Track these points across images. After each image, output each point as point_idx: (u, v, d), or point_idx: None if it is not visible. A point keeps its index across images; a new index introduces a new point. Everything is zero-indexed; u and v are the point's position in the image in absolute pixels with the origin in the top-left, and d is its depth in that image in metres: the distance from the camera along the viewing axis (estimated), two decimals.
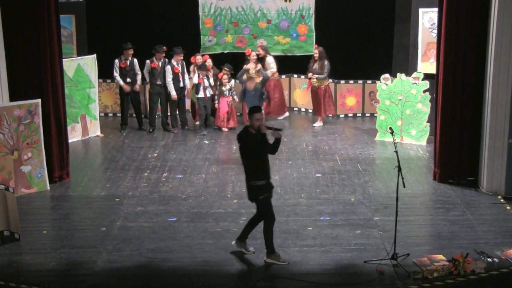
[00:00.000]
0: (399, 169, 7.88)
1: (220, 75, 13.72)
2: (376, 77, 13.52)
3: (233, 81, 13.90)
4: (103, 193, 10.39)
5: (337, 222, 9.16)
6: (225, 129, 13.79)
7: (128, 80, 13.67)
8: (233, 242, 8.30)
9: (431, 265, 7.81)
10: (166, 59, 13.67)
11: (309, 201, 9.93)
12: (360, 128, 14.12)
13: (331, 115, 14.75)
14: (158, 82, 13.62)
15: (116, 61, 13.61)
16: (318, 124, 14.24)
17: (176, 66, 13.59)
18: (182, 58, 13.64)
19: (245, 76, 13.38)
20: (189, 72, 14.05)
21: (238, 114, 14.47)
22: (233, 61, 14.43)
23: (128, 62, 13.61)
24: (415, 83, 12.63)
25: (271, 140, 7.99)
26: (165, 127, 13.89)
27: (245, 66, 13.75)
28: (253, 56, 14.03)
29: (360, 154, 12.25)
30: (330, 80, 14.75)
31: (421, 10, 12.79)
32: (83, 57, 13.35)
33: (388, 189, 10.26)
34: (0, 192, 8.54)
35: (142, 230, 8.91)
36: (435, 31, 11.71)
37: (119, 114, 14.47)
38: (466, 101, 10.30)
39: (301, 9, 15.24)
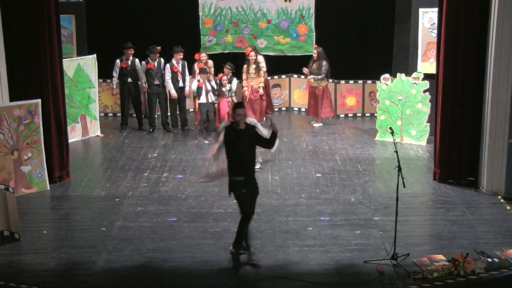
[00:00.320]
0: (399, 169, 7.89)
1: (220, 75, 13.70)
2: (376, 77, 13.52)
3: (235, 80, 13.86)
4: (103, 193, 10.39)
5: (337, 222, 9.16)
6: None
7: (129, 80, 13.67)
8: (231, 248, 8.23)
9: (431, 265, 7.81)
10: (162, 59, 13.66)
11: (309, 201, 9.93)
12: (360, 128, 14.12)
13: (330, 117, 14.77)
14: (156, 82, 13.62)
15: (117, 61, 13.62)
16: (318, 124, 14.24)
17: (175, 65, 13.58)
18: (182, 57, 13.63)
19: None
20: (191, 71, 14.01)
21: None
22: (233, 61, 14.41)
23: (129, 62, 13.61)
24: (415, 83, 12.63)
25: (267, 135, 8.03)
26: (165, 127, 13.89)
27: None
28: (252, 56, 14.03)
29: (360, 154, 12.25)
30: (330, 81, 14.76)
31: (421, 10, 12.79)
32: (83, 57, 13.36)
33: (388, 189, 10.26)
34: (0, 192, 8.54)
35: (142, 230, 8.91)
36: (435, 31, 11.71)
37: (119, 114, 14.47)
38: (466, 101, 10.30)
39: (301, 9, 15.24)
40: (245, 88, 14.07)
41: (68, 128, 11.44)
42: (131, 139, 13.34)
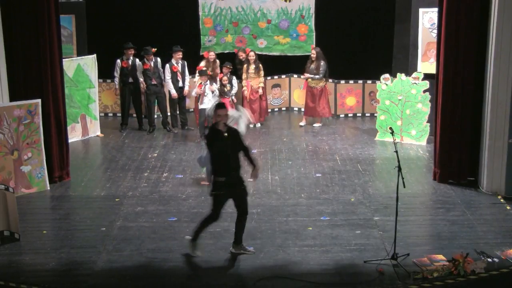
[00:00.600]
0: (399, 169, 7.89)
1: (220, 76, 13.70)
2: (376, 77, 13.52)
3: (235, 78, 13.84)
4: (103, 193, 10.39)
5: (337, 222, 9.16)
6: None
7: (130, 80, 13.67)
8: (231, 249, 8.25)
9: (431, 265, 7.81)
10: (158, 58, 13.65)
11: (309, 201, 9.93)
12: (360, 128, 14.12)
13: (328, 117, 14.78)
14: (153, 82, 13.62)
15: (118, 61, 13.63)
16: (318, 124, 14.24)
17: (175, 65, 13.58)
18: (181, 56, 13.61)
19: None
20: (190, 71, 14.00)
21: None
22: (233, 61, 14.44)
23: (129, 62, 13.61)
24: (415, 83, 12.63)
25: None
26: (165, 127, 13.89)
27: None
28: (252, 56, 14.04)
29: (360, 154, 12.25)
30: (330, 81, 14.77)
31: (421, 10, 12.79)
32: (83, 57, 13.36)
33: (388, 189, 10.27)
34: (0, 192, 8.54)
35: (142, 230, 8.92)
36: (435, 31, 11.71)
37: (119, 114, 14.47)
38: (466, 101, 10.30)
39: (301, 9, 15.26)
40: (244, 88, 14.07)
41: (68, 128, 11.44)
42: (131, 139, 13.35)
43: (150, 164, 11.69)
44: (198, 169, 11.40)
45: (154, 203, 9.88)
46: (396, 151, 8.01)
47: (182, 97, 13.84)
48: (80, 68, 13.08)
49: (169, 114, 14.02)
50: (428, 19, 12.71)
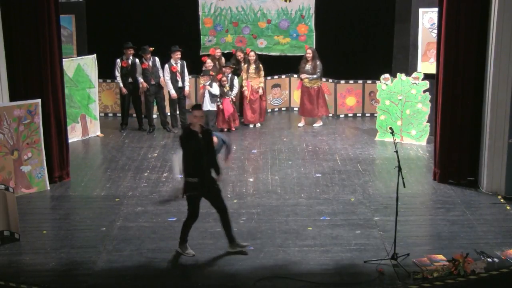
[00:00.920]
0: (399, 169, 7.89)
1: (219, 76, 13.69)
2: (376, 77, 13.52)
3: (236, 79, 13.86)
4: (103, 193, 10.39)
5: (337, 222, 9.16)
6: (233, 129, 13.80)
7: (130, 80, 13.67)
8: (228, 248, 8.26)
9: (431, 265, 7.81)
10: (156, 58, 13.65)
11: (309, 201, 9.93)
12: (360, 128, 14.12)
13: (329, 115, 14.78)
14: (152, 82, 13.62)
15: (118, 60, 13.63)
16: (318, 124, 14.23)
17: (174, 65, 13.58)
18: (179, 56, 13.60)
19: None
20: (190, 71, 13.99)
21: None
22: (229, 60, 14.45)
23: (129, 62, 13.61)
24: (415, 83, 12.63)
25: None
26: (165, 127, 13.89)
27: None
28: (252, 56, 14.03)
29: (360, 154, 12.25)
30: (330, 80, 14.78)
31: (421, 10, 12.79)
32: (83, 57, 13.36)
33: (388, 189, 10.27)
34: (0, 192, 8.54)
35: (142, 230, 8.92)
36: (435, 31, 11.71)
37: (119, 114, 14.47)
38: (466, 101, 10.29)
39: (301, 9, 15.26)
40: (244, 88, 14.07)
41: (68, 128, 11.44)
42: (131, 139, 13.34)
43: (150, 164, 11.70)
44: None
45: (154, 203, 9.88)
46: (396, 151, 8.02)
47: (182, 97, 13.84)
48: (80, 68, 13.08)
49: (168, 114, 14.02)
50: (428, 19, 12.71)
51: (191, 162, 7.92)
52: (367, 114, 14.93)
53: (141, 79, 13.61)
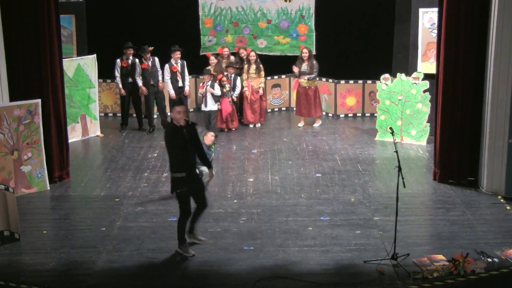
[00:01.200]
0: (399, 169, 7.89)
1: (219, 76, 13.69)
2: (376, 77, 13.52)
3: (239, 79, 13.86)
4: (103, 193, 10.39)
5: (337, 222, 9.16)
6: (232, 129, 13.79)
7: (130, 80, 13.66)
8: (185, 237, 8.34)
9: (431, 265, 7.81)
10: (156, 58, 13.65)
11: (309, 201, 9.93)
12: (360, 128, 14.12)
13: (329, 115, 14.79)
14: (151, 83, 13.61)
15: (118, 60, 13.63)
16: (317, 124, 14.21)
17: (174, 65, 13.58)
18: (179, 56, 13.60)
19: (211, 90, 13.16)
20: (190, 71, 13.96)
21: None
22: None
23: (129, 62, 13.61)
24: (415, 83, 12.63)
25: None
26: (165, 127, 13.87)
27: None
28: (253, 56, 14.02)
29: (360, 154, 12.25)
30: (330, 80, 14.78)
31: (421, 10, 12.79)
32: (83, 57, 13.36)
33: (388, 189, 10.27)
34: (0, 192, 8.54)
35: (142, 230, 8.91)
36: (435, 31, 11.71)
37: (119, 114, 14.47)
38: (466, 101, 10.30)
39: (301, 9, 15.26)
40: (245, 88, 14.06)
41: (68, 128, 11.44)
42: (131, 139, 13.34)
43: (150, 164, 11.69)
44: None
45: (154, 203, 9.88)
46: (396, 151, 8.01)
47: (183, 96, 13.82)
48: (80, 68, 13.08)
49: (169, 114, 14.00)
50: (428, 19, 12.71)
51: (178, 158, 7.99)
52: (367, 114, 14.93)
53: (140, 83, 13.58)
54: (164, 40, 14.28)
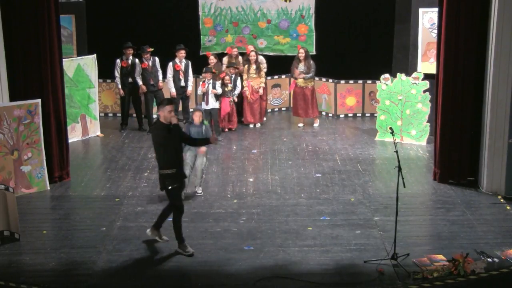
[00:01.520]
0: (399, 169, 7.89)
1: (222, 75, 13.68)
2: (376, 77, 13.52)
3: (239, 79, 13.87)
4: (103, 193, 10.39)
5: (337, 222, 9.16)
6: (226, 129, 13.79)
7: (130, 80, 13.66)
8: (148, 231, 8.49)
9: (431, 265, 7.81)
10: (156, 58, 13.65)
11: (309, 201, 9.93)
12: (360, 128, 14.12)
13: (330, 115, 14.79)
14: (151, 83, 13.61)
15: (118, 60, 13.63)
16: (316, 124, 14.20)
17: (178, 63, 13.58)
18: (184, 55, 13.60)
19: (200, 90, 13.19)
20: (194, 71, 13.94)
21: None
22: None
23: (129, 62, 13.61)
24: (415, 83, 12.63)
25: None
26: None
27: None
28: (253, 56, 14.01)
29: (360, 154, 12.25)
30: (330, 80, 14.78)
31: (421, 10, 12.79)
32: (83, 57, 13.36)
33: (388, 189, 10.27)
34: (0, 192, 8.54)
35: (142, 230, 8.90)
36: (435, 31, 11.72)
37: (119, 114, 14.47)
38: (466, 101, 10.30)
39: (301, 9, 15.26)
40: (245, 88, 14.06)
41: (68, 128, 11.44)
42: (131, 139, 13.34)
43: (150, 164, 11.69)
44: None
45: (154, 203, 9.88)
46: (396, 151, 8.02)
47: (185, 96, 13.84)
48: (80, 68, 13.08)
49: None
50: (428, 19, 12.71)
51: (169, 155, 8.11)
52: (367, 114, 14.92)
53: (140, 82, 13.59)
54: (164, 40, 14.27)
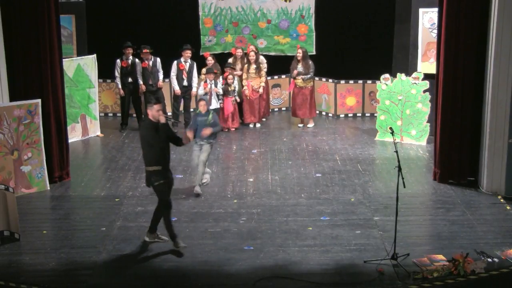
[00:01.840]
0: (399, 169, 7.89)
1: (226, 74, 13.68)
2: (376, 77, 13.52)
3: (236, 79, 13.87)
4: (103, 193, 10.39)
5: (337, 222, 9.16)
6: (232, 129, 13.80)
7: (130, 80, 13.66)
8: (145, 237, 8.53)
9: (431, 265, 7.81)
10: (158, 58, 13.64)
11: (309, 201, 9.93)
12: (360, 128, 14.12)
13: (330, 115, 14.80)
14: (150, 82, 13.61)
15: (118, 61, 13.63)
16: (311, 124, 14.18)
17: (182, 63, 13.58)
18: (190, 55, 13.60)
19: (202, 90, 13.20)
20: (222, 72, 13.93)
21: None
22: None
23: (129, 61, 13.61)
24: (415, 83, 12.63)
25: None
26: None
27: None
28: (252, 56, 14.00)
29: (360, 154, 12.25)
30: (330, 80, 14.77)
31: (421, 10, 12.79)
32: (83, 57, 13.35)
33: (388, 189, 10.27)
34: (0, 192, 8.54)
35: (142, 230, 8.89)
36: (435, 31, 11.72)
37: (119, 114, 14.47)
38: (466, 101, 10.30)
39: (301, 9, 15.26)
40: (245, 87, 14.06)
41: (68, 128, 11.44)
42: (131, 139, 13.34)
43: None
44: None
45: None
46: (396, 151, 8.01)
47: (187, 96, 13.83)
48: (80, 68, 13.08)
49: (169, 114, 14.00)
50: (428, 19, 12.71)
51: (155, 153, 8.21)
52: (367, 114, 14.93)
53: (140, 81, 13.61)
54: (164, 40, 14.26)
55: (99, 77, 13.67)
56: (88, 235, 8.78)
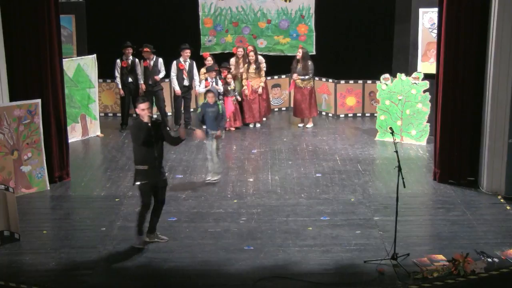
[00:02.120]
0: (399, 169, 7.88)
1: (224, 74, 13.68)
2: (376, 77, 13.52)
3: (232, 81, 13.88)
4: (103, 193, 10.39)
5: (337, 222, 9.16)
6: (232, 128, 13.80)
7: (130, 80, 13.66)
8: (145, 237, 8.51)
9: (431, 265, 7.81)
10: (160, 58, 13.63)
11: (309, 201, 9.93)
12: (360, 128, 14.12)
13: (330, 115, 14.79)
14: (149, 82, 13.61)
15: (118, 61, 13.63)
16: (310, 124, 14.18)
17: (182, 63, 13.58)
18: (189, 55, 13.60)
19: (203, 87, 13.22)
20: (219, 74, 13.91)
21: None
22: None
23: (129, 61, 13.61)
24: (415, 83, 12.63)
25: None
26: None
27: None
28: (252, 56, 14.00)
29: (360, 154, 12.25)
30: (330, 80, 14.77)
31: (421, 10, 12.79)
32: (83, 57, 13.35)
33: (388, 189, 10.26)
34: (0, 192, 8.54)
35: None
36: (435, 31, 11.71)
37: (119, 114, 14.47)
38: (466, 101, 10.30)
39: (301, 9, 15.27)
40: (244, 87, 14.06)
41: (68, 128, 11.44)
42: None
43: None
44: (199, 169, 11.41)
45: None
46: (396, 151, 8.01)
47: (188, 96, 13.83)
48: (80, 68, 13.08)
49: (169, 113, 14.00)
50: (428, 19, 12.71)
51: (142, 151, 8.25)
52: (367, 114, 14.93)
53: (141, 80, 13.61)
54: (164, 40, 14.26)
55: (99, 77, 13.67)
56: (88, 235, 8.78)
